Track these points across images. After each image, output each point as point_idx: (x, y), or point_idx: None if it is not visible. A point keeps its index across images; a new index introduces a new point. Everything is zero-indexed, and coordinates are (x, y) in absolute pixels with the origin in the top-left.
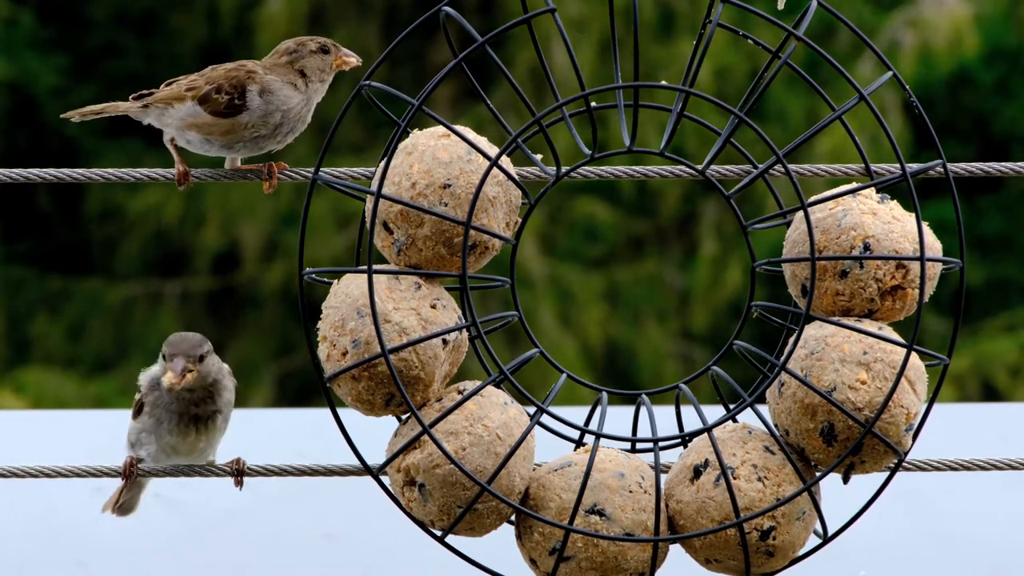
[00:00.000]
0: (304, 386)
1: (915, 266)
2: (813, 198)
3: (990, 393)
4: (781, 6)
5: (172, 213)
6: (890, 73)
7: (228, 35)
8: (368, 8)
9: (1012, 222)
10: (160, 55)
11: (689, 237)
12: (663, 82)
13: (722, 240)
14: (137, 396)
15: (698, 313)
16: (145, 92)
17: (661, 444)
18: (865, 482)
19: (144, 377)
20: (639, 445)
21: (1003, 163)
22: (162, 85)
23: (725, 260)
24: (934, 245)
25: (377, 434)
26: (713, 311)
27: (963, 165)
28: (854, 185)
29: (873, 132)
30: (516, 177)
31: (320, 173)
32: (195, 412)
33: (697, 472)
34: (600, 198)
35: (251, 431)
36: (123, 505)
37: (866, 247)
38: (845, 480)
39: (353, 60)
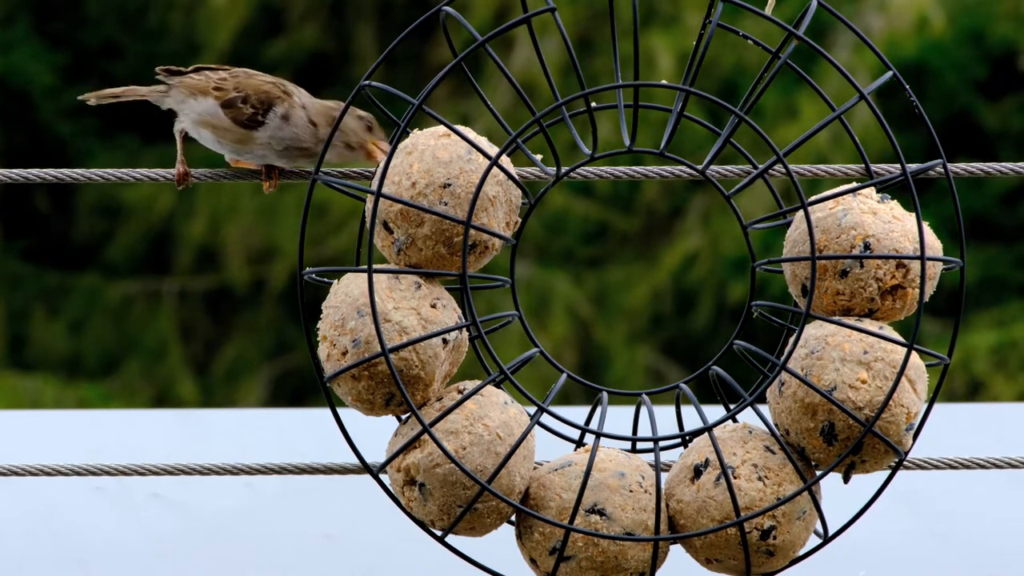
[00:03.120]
0: (301, 385)
1: (915, 265)
2: (813, 197)
3: (975, 388)
4: (769, 10)
5: (166, 211)
6: (889, 73)
7: (224, 34)
8: (363, 7)
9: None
10: (157, 53)
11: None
12: (663, 81)
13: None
14: None
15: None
16: (174, 69)
17: (661, 444)
18: (865, 482)
19: None
20: (639, 445)
21: (1003, 163)
22: (190, 68)
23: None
24: (934, 244)
25: (377, 434)
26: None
27: (963, 165)
28: (854, 184)
29: (837, 132)
30: (516, 177)
31: (320, 173)
32: None
33: (697, 472)
34: (575, 194)
35: (251, 431)
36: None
37: (866, 246)
38: (845, 480)
39: (379, 154)
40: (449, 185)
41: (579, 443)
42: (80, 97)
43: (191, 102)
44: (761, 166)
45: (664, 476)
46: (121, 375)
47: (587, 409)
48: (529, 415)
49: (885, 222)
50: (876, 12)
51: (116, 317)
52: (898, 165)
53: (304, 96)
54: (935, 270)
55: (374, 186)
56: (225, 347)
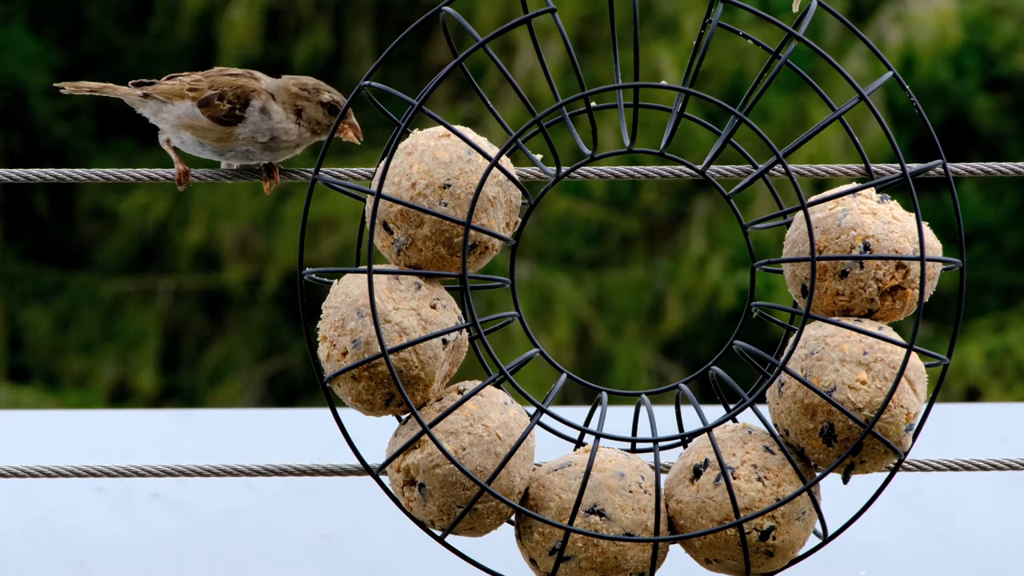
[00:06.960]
0: (293, 385)
1: (915, 266)
2: (813, 198)
3: (972, 395)
4: (796, 8)
5: (162, 213)
6: (889, 73)
7: (222, 34)
8: (361, 8)
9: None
10: (155, 55)
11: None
12: (663, 82)
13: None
14: None
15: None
16: (146, 81)
17: (661, 444)
18: (865, 482)
19: None
20: (639, 445)
21: (1003, 163)
22: (164, 78)
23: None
24: (934, 245)
25: (377, 434)
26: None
27: (963, 165)
28: (854, 185)
29: (847, 140)
30: (516, 177)
31: (320, 173)
32: None
33: (697, 472)
34: (572, 196)
35: (251, 431)
36: None
37: (866, 247)
38: (845, 480)
39: (352, 136)
40: (449, 186)
41: (579, 443)
42: (56, 84)
43: (168, 107)
44: (761, 166)
45: (664, 476)
46: (93, 362)
47: (587, 409)
48: (529, 415)
49: (885, 223)
50: (893, 23)
51: (107, 312)
52: (898, 165)
53: (266, 82)
54: (935, 271)
55: (374, 186)
56: (220, 346)
